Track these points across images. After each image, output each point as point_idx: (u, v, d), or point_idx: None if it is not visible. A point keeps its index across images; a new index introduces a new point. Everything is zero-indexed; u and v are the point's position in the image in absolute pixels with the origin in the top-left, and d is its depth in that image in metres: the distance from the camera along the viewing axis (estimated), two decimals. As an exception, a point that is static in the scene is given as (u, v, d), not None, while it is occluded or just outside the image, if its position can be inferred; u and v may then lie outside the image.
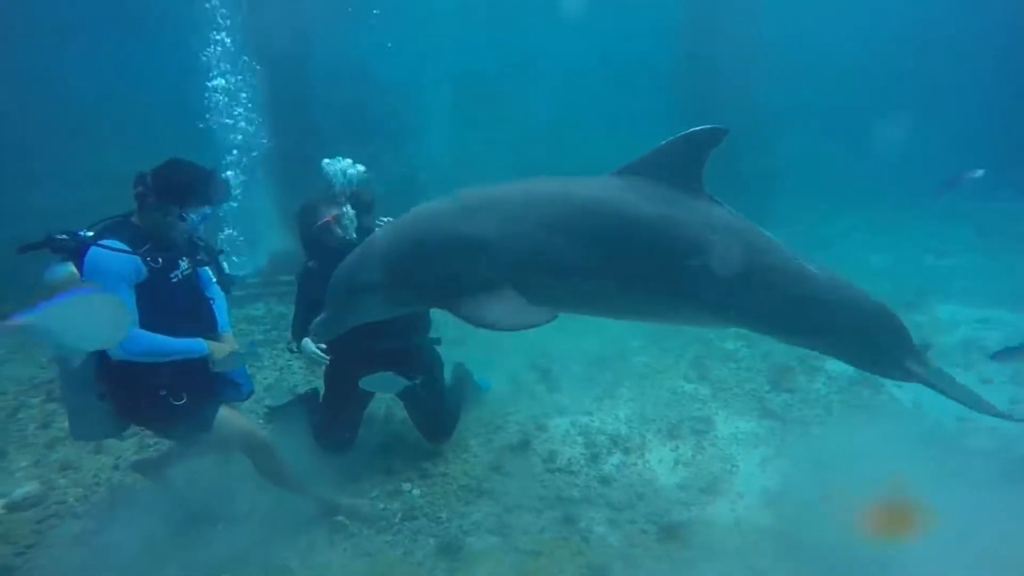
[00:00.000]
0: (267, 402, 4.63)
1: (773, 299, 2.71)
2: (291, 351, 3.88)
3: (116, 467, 4.03)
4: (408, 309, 3.12)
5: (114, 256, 2.66)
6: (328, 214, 3.62)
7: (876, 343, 2.87)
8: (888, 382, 4.79)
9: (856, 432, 4.19)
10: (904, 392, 4.67)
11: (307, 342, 3.51)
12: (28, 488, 3.70)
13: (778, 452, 4.08)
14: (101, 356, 2.77)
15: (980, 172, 6.64)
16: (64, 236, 2.64)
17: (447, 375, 4.29)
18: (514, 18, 13.13)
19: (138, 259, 2.74)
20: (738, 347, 5.83)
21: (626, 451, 4.13)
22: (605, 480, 3.82)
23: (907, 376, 2.91)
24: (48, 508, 3.59)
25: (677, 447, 4.19)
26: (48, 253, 2.65)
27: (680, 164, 2.67)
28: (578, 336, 5.74)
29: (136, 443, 4.29)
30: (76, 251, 2.65)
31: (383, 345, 3.73)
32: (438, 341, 4.09)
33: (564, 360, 5.37)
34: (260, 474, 3.34)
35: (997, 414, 2.91)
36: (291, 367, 5.51)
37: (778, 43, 11.90)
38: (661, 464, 4.02)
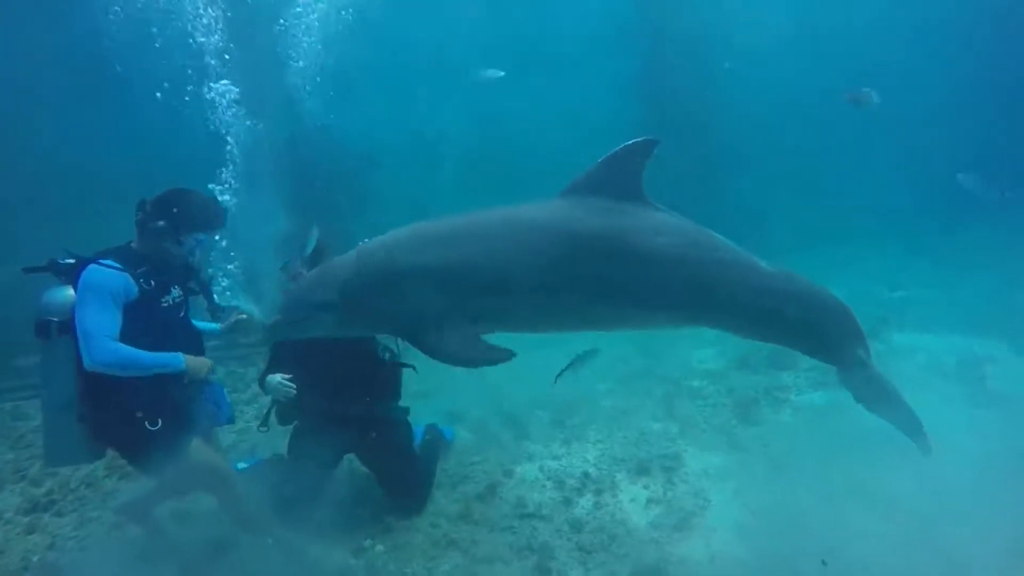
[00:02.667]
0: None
1: (727, 293, 2.75)
2: (260, 430, 3.79)
3: (50, 547, 3.73)
4: (362, 333, 3.23)
5: (106, 271, 2.79)
6: (300, 271, 3.66)
7: (826, 330, 2.93)
8: (854, 409, 4.84)
9: (824, 460, 4.16)
10: (871, 419, 4.69)
11: (272, 377, 3.49)
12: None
13: (749, 484, 4.01)
14: (85, 378, 2.81)
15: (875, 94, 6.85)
16: (70, 260, 2.84)
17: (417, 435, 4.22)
18: (469, 79, 13.61)
19: (129, 277, 2.84)
20: (704, 384, 5.83)
21: (597, 492, 4.02)
22: (576, 523, 3.69)
23: (855, 362, 2.95)
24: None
25: (648, 485, 4.09)
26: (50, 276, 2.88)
27: (619, 177, 2.78)
28: (545, 381, 5.67)
29: (76, 518, 4.01)
30: (75, 273, 2.79)
31: (352, 411, 3.73)
32: (407, 411, 4.01)
33: (530, 406, 5.27)
34: (224, 512, 3.29)
35: (917, 434, 2.94)
36: (250, 428, 5.28)
37: (732, 88, 12.51)
38: (633, 503, 3.91)
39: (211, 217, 3.11)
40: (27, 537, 3.82)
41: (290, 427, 3.89)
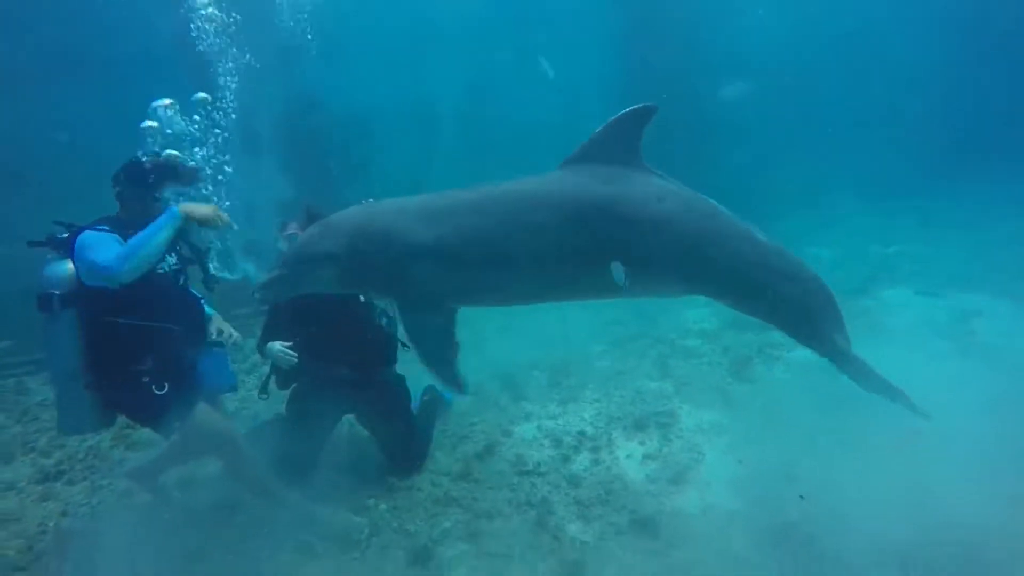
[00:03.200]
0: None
1: (723, 260, 2.78)
2: (261, 398, 3.86)
3: (64, 514, 3.83)
4: (356, 292, 3.19)
5: (99, 232, 2.91)
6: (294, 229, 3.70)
7: (810, 313, 2.95)
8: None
9: (814, 414, 4.26)
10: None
11: (272, 344, 3.57)
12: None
13: (741, 439, 4.12)
14: (88, 346, 2.92)
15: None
16: (65, 234, 2.92)
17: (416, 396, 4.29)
18: (462, 44, 13.33)
19: (121, 239, 2.89)
20: (698, 344, 5.92)
21: (594, 450, 4.13)
22: (574, 479, 3.80)
23: (833, 350, 2.96)
24: (-12, 561, 3.38)
25: (644, 442, 4.20)
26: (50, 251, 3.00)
27: (619, 144, 2.79)
28: (541, 344, 5.77)
29: (87, 487, 4.10)
30: (70, 242, 2.88)
31: (350, 375, 3.77)
32: (402, 377, 4.06)
33: (528, 369, 5.37)
34: (231, 475, 3.38)
35: (908, 405, 2.98)
36: (253, 397, 5.36)
37: (722, 49, 12.36)
38: (629, 460, 4.02)
39: (179, 168, 3.20)
40: (42, 504, 3.91)
41: (288, 391, 3.95)
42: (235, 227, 3.21)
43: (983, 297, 6.10)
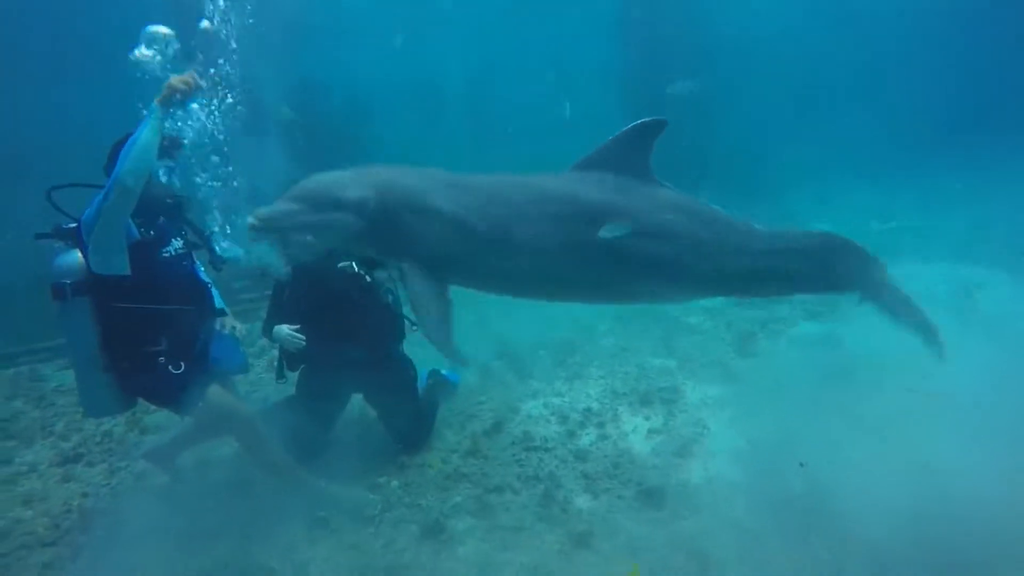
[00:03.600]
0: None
1: (730, 261, 2.93)
2: (278, 383, 3.95)
3: (85, 495, 3.94)
4: (365, 247, 2.96)
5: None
6: None
7: (842, 267, 3.11)
8: (846, 339, 5.01)
9: (816, 387, 4.33)
10: (862, 347, 4.85)
11: (279, 328, 3.60)
12: (-10, 525, 3.60)
13: (744, 412, 4.20)
14: (103, 332, 2.99)
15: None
16: (72, 224, 2.94)
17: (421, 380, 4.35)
18: (463, 26, 13.23)
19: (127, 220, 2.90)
20: (701, 321, 5.98)
21: (600, 425, 4.21)
22: (581, 454, 3.89)
23: (877, 285, 3.17)
24: (15, 540, 3.48)
25: (649, 417, 4.29)
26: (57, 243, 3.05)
27: (629, 154, 2.91)
28: (546, 324, 5.83)
29: (105, 469, 4.21)
30: (77, 231, 2.91)
31: (357, 354, 3.81)
32: (408, 359, 4.13)
33: (533, 348, 5.44)
34: (247, 454, 3.45)
35: (932, 341, 3.18)
36: (263, 379, 5.45)
37: (721, 25, 12.24)
38: (634, 434, 4.10)
39: (167, 143, 3.05)
40: (64, 485, 4.02)
41: (297, 372, 4.01)
42: (203, 85, 2.96)
43: (983, 270, 6.12)
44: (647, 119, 2.86)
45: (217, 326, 3.50)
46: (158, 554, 3.21)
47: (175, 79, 2.83)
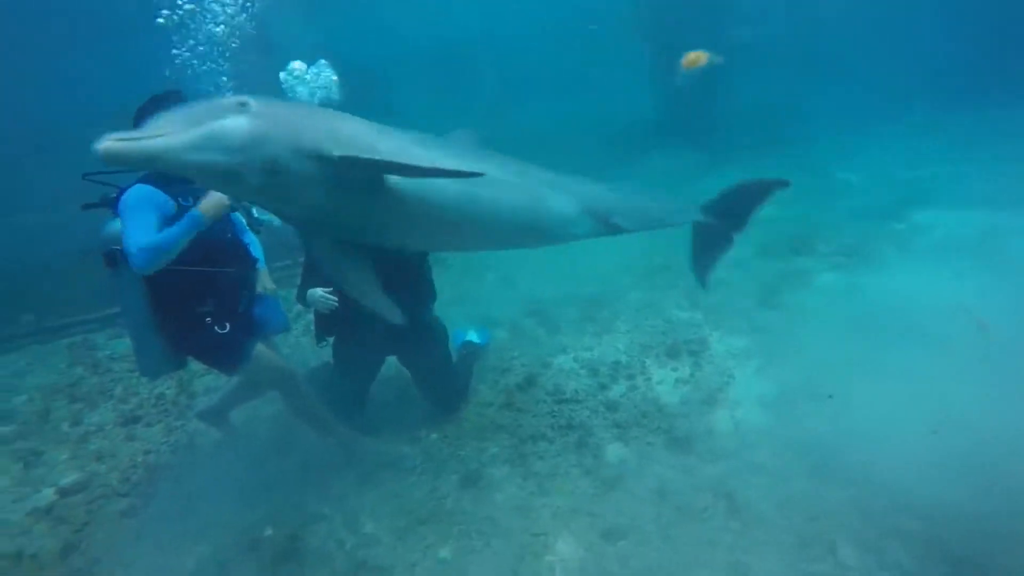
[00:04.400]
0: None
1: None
2: (320, 346, 4.10)
3: (148, 452, 4.25)
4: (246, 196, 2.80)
5: (141, 189, 3.03)
6: None
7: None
8: (870, 288, 5.06)
9: (840, 336, 4.41)
10: (886, 298, 4.89)
11: (313, 291, 3.67)
12: (73, 477, 3.93)
13: (769, 361, 4.31)
14: (153, 295, 3.16)
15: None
16: (114, 195, 3.07)
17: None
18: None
19: (163, 194, 3.04)
20: (727, 273, 5.99)
21: (629, 377, 4.37)
22: (611, 404, 4.06)
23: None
24: (94, 491, 3.82)
25: (676, 368, 4.42)
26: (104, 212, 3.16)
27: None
28: (573, 281, 5.95)
29: (163, 428, 4.51)
30: (118, 200, 3.03)
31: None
32: (440, 321, 4.19)
33: (561, 305, 5.57)
34: (291, 411, 3.65)
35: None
36: (301, 343, 5.70)
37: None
38: (662, 385, 4.25)
39: (170, 98, 3.07)
40: (128, 443, 4.34)
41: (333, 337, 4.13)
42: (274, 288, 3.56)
43: (1011, 215, 6.04)
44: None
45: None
46: (220, 504, 3.50)
47: (219, 205, 3.06)
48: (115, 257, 3.13)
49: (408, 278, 3.96)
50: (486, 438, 3.85)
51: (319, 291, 3.73)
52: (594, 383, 4.34)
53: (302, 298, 3.81)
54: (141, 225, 2.91)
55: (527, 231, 3.26)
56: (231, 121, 2.25)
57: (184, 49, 6.50)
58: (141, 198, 3.01)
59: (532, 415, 4.03)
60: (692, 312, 5.30)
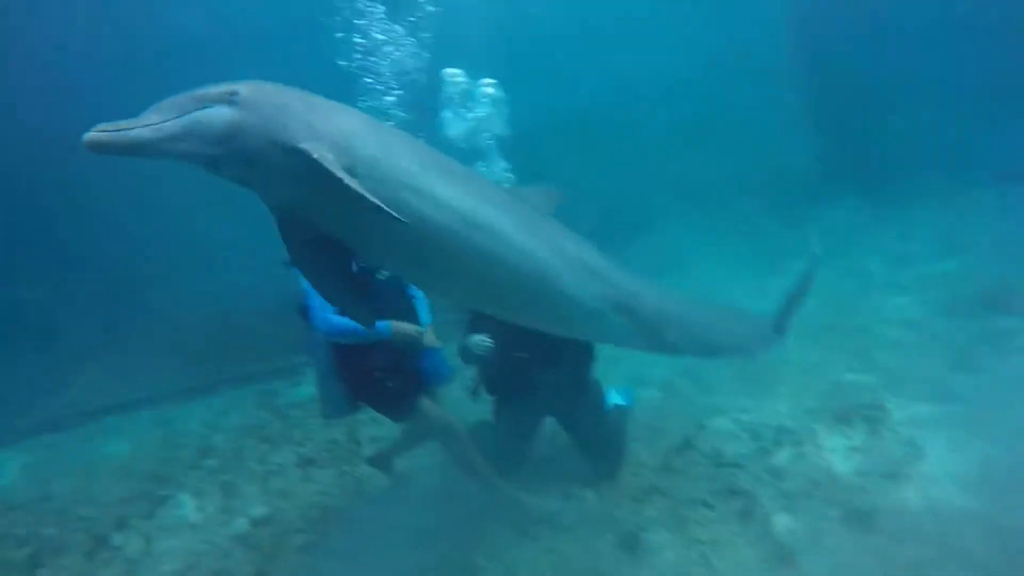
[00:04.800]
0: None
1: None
2: (474, 399, 4.25)
3: (322, 493, 4.63)
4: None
5: None
6: None
7: None
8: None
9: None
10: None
11: (471, 337, 3.87)
12: (261, 510, 4.40)
13: (968, 434, 3.78)
14: (335, 345, 3.52)
15: None
16: None
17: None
18: (613, 40, 13.17)
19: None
20: (903, 333, 5.46)
21: (795, 443, 4.05)
22: (776, 472, 3.78)
23: None
24: (279, 525, 4.22)
25: (849, 436, 4.04)
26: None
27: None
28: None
29: (335, 471, 4.90)
30: None
31: (551, 377, 3.96)
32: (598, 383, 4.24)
33: (712, 363, 5.34)
34: (453, 462, 3.80)
35: None
36: (460, 399, 5.95)
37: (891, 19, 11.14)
38: (834, 453, 3.89)
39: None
40: (305, 484, 4.77)
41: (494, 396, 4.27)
42: (439, 344, 3.76)
43: None
44: None
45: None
46: (388, 548, 3.70)
47: (410, 336, 3.54)
48: (306, 310, 3.54)
49: (565, 343, 4.03)
50: (643, 500, 3.74)
51: (477, 337, 3.93)
52: (756, 447, 4.08)
53: (464, 354, 4.01)
54: None
55: (534, 303, 2.79)
56: (214, 111, 2.17)
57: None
58: None
59: (690, 478, 3.87)
60: (865, 375, 4.84)
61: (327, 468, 5.01)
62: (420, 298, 3.94)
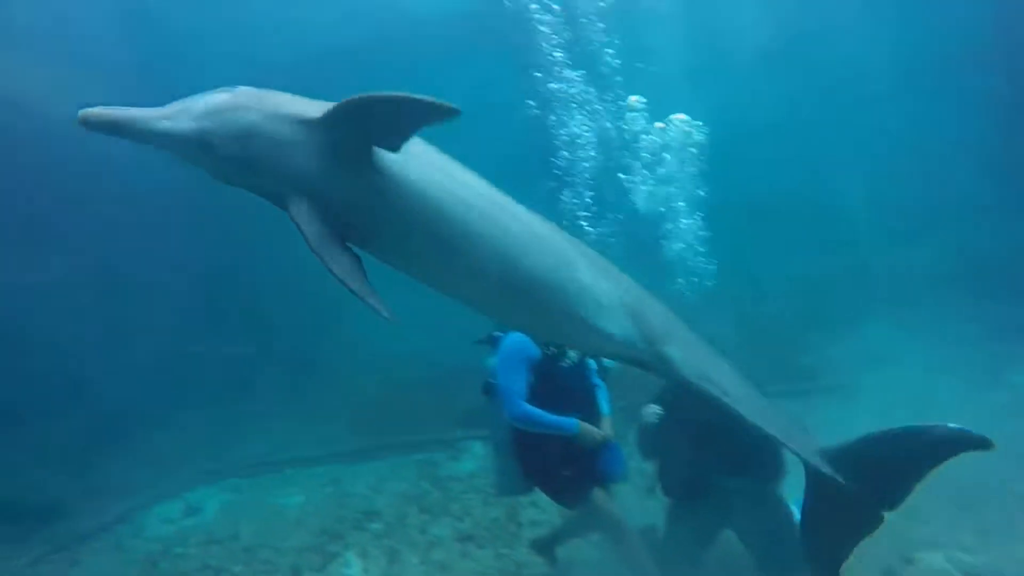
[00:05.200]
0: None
1: None
2: (649, 494, 4.20)
3: (481, 573, 4.61)
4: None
5: (517, 340, 3.56)
6: None
7: None
8: None
9: None
10: None
11: (648, 407, 3.82)
12: None
13: None
14: (514, 428, 3.55)
15: None
16: (498, 333, 3.70)
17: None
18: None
19: (533, 343, 3.55)
20: None
21: (1039, 600, 3.33)
22: (1016, 630, 3.11)
23: None
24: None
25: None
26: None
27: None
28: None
29: (493, 552, 4.86)
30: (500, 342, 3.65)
31: (734, 482, 3.77)
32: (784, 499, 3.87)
33: (927, 485, 4.62)
34: (622, 561, 3.65)
35: None
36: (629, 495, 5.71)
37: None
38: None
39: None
40: (463, 560, 4.79)
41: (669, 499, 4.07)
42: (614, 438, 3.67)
43: None
44: None
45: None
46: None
47: (594, 438, 3.53)
48: (491, 388, 3.65)
49: (757, 442, 3.76)
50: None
51: (652, 407, 3.81)
52: (983, 596, 3.41)
53: (644, 448, 3.89)
54: (513, 379, 3.47)
55: (541, 295, 2.41)
56: (209, 95, 2.14)
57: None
58: (515, 348, 3.56)
59: (900, 619, 3.30)
60: None
61: (486, 547, 5.00)
62: (602, 387, 3.92)
